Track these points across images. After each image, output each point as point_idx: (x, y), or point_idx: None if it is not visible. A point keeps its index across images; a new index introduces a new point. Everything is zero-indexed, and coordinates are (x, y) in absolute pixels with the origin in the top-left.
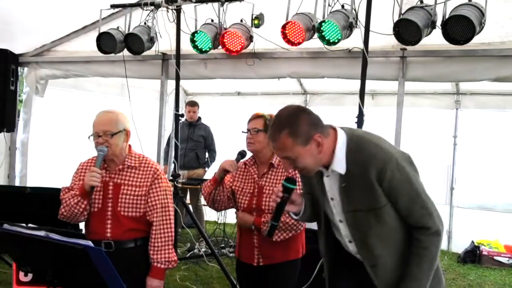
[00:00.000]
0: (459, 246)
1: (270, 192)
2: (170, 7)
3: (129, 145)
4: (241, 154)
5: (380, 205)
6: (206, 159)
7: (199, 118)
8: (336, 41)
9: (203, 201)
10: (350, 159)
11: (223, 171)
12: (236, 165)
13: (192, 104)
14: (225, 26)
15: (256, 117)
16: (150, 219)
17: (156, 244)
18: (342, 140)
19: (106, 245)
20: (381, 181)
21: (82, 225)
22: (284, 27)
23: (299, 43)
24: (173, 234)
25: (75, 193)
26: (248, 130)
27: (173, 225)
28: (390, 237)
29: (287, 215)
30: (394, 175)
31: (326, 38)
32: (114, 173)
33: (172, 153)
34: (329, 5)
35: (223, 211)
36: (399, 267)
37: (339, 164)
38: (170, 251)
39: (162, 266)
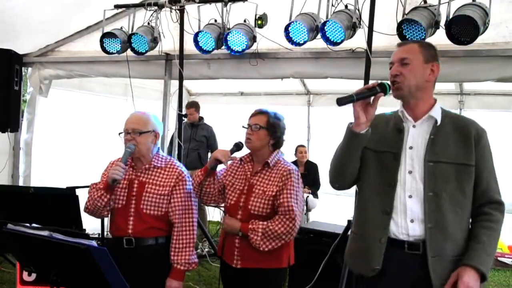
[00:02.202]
0: None
1: (260, 192)
2: (173, 7)
3: (158, 148)
4: (237, 145)
5: (469, 163)
6: (208, 160)
7: (201, 118)
8: (339, 41)
9: None
10: (446, 116)
11: (215, 161)
12: (230, 156)
13: (188, 106)
14: (228, 26)
15: (259, 113)
16: (172, 220)
17: (177, 246)
18: (439, 105)
19: (127, 241)
20: (477, 142)
21: (85, 225)
22: (287, 27)
23: (303, 43)
24: (194, 236)
25: (99, 187)
26: (249, 125)
27: (195, 227)
28: (460, 204)
29: (276, 223)
30: (487, 145)
31: (330, 39)
32: (140, 172)
33: (176, 153)
34: (332, 5)
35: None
36: (455, 242)
37: (437, 114)
38: (191, 253)
39: (182, 267)
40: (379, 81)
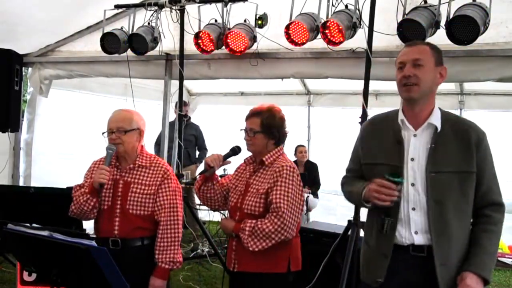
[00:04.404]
0: None
1: (254, 191)
2: (173, 7)
3: (142, 146)
4: (233, 150)
5: (471, 170)
6: (197, 157)
7: (189, 117)
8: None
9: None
10: (446, 120)
11: (206, 166)
12: (222, 160)
13: (185, 104)
14: (228, 27)
15: (253, 115)
16: (157, 219)
17: (161, 244)
18: (438, 107)
19: (113, 243)
20: (478, 147)
21: (86, 225)
22: (287, 27)
23: (303, 43)
24: (180, 235)
25: (84, 191)
26: (246, 130)
27: (180, 226)
28: (465, 210)
29: (265, 221)
30: (487, 147)
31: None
32: (125, 172)
33: (176, 153)
34: (332, 5)
35: (226, 211)
36: (460, 248)
37: (437, 121)
38: (176, 251)
39: (166, 266)
40: (388, 178)
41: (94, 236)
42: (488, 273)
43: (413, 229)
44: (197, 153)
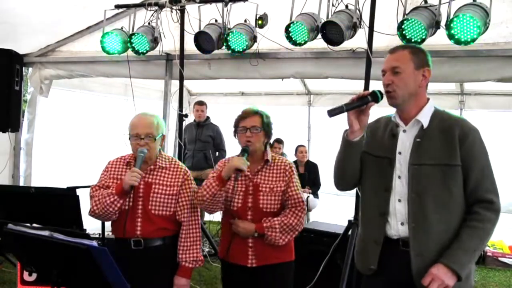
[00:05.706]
0: None
1: (267, 189)
2: (174, 7)
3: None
4: (246, 151)
5: (453, 163)
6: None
7: (208, 118)
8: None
9: None
10: (436, 117)
11: (236, 171)
12: (247, 162)
13: (201, 103)
14: (229, 26)
15: (252, 114)
16: (179, 219)
17: (185, 244)
18: (432, 104)
19: (135, 243)
20: (462, 141)
21: (86, 225)
22: (287, 27)
23: (303, 44)
24: (200, 234)
25: (111, 192)
26: (247, 128)
27: (199, 225)
28: (446, 204)
29: (289, 216)
30: (476, 142)
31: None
32: (146, 173)
33: (176, 153)
34: (333, 5)
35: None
36: (440, 242)
37: (424, 118)
38: (198, 250)
39: (190, 265)
40: (371, 90)
41: (113, 236)
42: (460, 267)
43: (399, 220)
44: (217, 154)
